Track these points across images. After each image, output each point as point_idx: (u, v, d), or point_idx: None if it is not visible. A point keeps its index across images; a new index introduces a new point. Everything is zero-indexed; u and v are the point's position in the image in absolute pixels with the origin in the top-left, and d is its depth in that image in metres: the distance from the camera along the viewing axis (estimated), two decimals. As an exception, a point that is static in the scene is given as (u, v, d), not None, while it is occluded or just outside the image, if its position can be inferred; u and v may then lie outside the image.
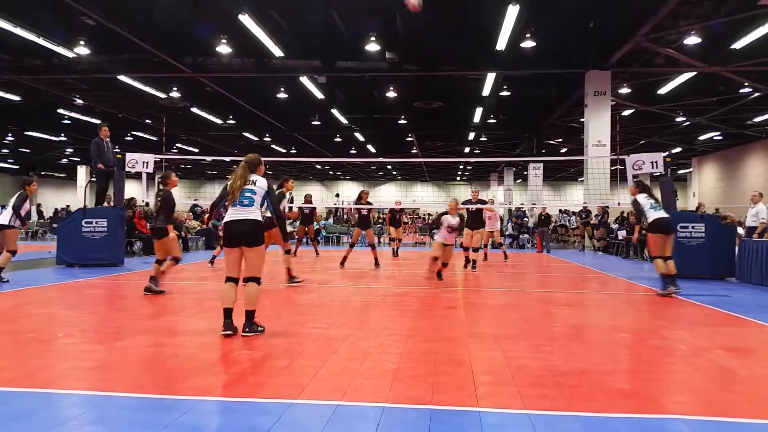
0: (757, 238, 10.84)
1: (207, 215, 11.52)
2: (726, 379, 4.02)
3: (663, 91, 19.36)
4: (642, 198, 8.48)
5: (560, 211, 27.74)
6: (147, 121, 26.64)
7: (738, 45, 14.14)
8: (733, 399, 3.56)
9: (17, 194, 9.12)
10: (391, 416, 3.16)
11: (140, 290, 7.66)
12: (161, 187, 7.82)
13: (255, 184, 5.28)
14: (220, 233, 6.35)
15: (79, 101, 22.72)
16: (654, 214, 8.22)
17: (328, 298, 7.79)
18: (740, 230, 13.91)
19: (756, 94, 19.53)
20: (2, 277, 8.81)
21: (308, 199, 14.63)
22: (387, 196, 51.24)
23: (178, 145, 34.28)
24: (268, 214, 7.30)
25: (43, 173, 49.17)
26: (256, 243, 5.17)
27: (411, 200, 47.95)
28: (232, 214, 5.19)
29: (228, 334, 5.03)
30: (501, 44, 14.15)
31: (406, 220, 18.04)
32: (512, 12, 12.14)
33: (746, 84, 18.61)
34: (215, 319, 6.12)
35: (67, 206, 34.53)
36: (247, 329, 5.10)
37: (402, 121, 26.71)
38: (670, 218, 8.43)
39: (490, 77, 18.18)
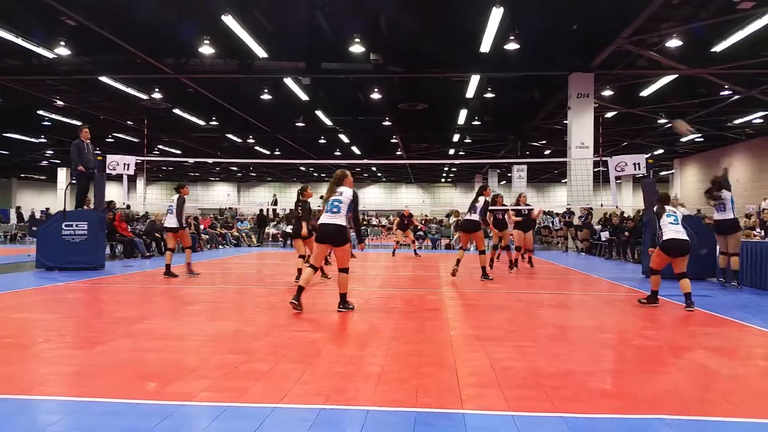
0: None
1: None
2: (707, 378, 4.06)
3: (645, 93, 19.59)
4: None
5: (543, 212, 27.92)
6: (128, 122, 26.38)
7: (718, 48, 14.35)
8: (714, 398, 3.59)
9: (176, 198, 9.95)
10: (376, 419, 3.14)
11: (121, 294, 7.55)
12: (298, 198, 9.27)
13: (342, 195, 6.48)
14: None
15: (60, 102, 22.44)
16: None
17: (311, 300, 7.74)
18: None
19: (736, 97, 19.84)
20: (193, 270, 10.14)
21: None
22: (372, 198, 51.25)
23: (160, 146, 34.00)
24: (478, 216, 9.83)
25: (22, 175, 48.44)
26: (342, 243, 6.41)
27: (394, 203, 47.88)
28: (324, 218, 6.47)
29: (294, 304, 6.26)
30: (485, 46, 14.22)
31: (419, 228, 19.70)
32: (496, 14, 12.19)
33: (726, 86, 18.90)
34: (197, 323, 6.07)
35: (47, 209, 34.03)
36: (341, 306, 6.50)
37: (386, 123, 26.73)
38: None
39: (475, 79, 18.26)
